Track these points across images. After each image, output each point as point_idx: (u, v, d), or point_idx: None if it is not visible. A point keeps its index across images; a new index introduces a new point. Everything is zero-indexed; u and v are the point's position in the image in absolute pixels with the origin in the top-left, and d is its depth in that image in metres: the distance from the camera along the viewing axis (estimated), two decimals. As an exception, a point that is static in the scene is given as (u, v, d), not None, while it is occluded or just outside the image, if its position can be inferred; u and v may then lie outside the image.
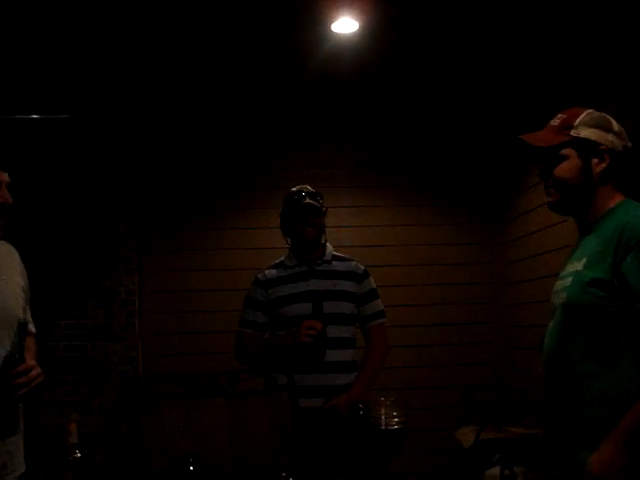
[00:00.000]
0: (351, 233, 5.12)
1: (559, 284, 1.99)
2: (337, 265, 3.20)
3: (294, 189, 3.19)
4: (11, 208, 2.29)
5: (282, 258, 3.24)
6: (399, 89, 5.06)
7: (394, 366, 4.90)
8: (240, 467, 2.16)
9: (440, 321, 5.11)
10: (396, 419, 1.86)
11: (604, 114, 2.00)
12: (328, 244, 3.24)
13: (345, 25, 4.05)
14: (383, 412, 1.87)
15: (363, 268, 3.26)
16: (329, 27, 4.06)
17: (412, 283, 5.13)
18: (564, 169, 1.95)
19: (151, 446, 2.13)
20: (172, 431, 2.15)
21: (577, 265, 1.91)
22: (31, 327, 2.37)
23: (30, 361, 2.05)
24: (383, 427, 1.86)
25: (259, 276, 3.20)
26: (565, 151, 1.95)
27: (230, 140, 5.14)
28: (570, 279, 1.91)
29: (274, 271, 3.18)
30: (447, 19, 4.05)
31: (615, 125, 1.98)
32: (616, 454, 1.74)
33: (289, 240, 3.22)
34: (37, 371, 2.05)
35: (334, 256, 3.24)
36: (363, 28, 4.07)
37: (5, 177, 2.29)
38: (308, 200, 3.10)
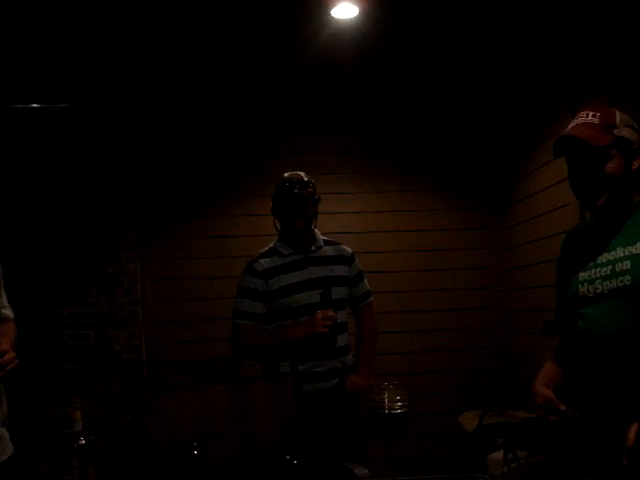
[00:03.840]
0: (352, 219, 5.13)
1: (597, 272, 2.01)
2: (328, 250, 3.18)
3: (286, 175, 3.16)
4: None
5: (272, 245, 3.16)
6: (399, 74, 5.04)
7: (397, 351, 4.94)
8: (244, 452, 2.18)
9: (442, 306, 5.12)
10: (399, 403, 1.86)
11: (627, 114, 2.05)
12: (316, 229, 3.20)
13: (345, 10, 4.04)
14: (386, 396, 1.87)
15: (350, 250, 3.24)
16: (329, 12, 4.05)
17: (413, 269, 5.14)
18: (612, 168, 1.97)
19: (155, 433, 2.14)
20: (176, 418, 2.15)
21: (632, 249, 1.93)
22: (7, 312, 2.35)
23: (3, 345, 2.03)
24: (386, 411, 1.85)
25: (255, 266, 3.09)
26: (613, 151, 1.98)
27: (229, 128, 5.14)
28: (628, 262, 1.92)
29: (269, 260, 3.09)
30: (447, 4, 4.03)
31: (636, 124, 2.05)
32: None
33: (278, 226, 3.18)
34: (10, 355, 2.02)
35: (324, 241, 3.22)
36: (363, 13, 4.06)
37: None
38: (296, 190, 3.07)
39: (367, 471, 2.10)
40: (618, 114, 2.02)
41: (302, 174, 3.16)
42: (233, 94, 5.09)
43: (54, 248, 4.83)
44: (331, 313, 2.91)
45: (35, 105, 4.78)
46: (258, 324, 3.06)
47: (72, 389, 4.75)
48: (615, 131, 1.99)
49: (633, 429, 1.74)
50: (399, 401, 1.86)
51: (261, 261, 3.09)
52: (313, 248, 3.13)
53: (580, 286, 2.06)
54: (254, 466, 2.08)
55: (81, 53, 4.38)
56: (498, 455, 4.08)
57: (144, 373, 3.02)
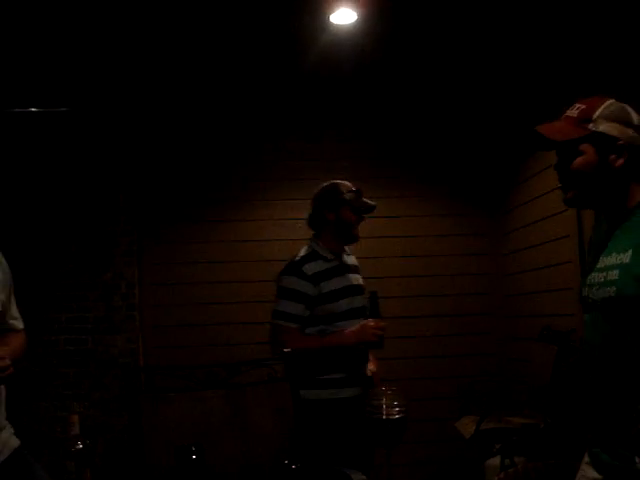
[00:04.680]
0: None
1: (596, 277, 1.92)
2: (350, 259, 3.25)
3: (345, 183, 3.22)
4: None
5: (311, 249, 3.14)
6: (398, 80, 5.05)
7: (395, 357, 4.93)
8: (242, 457, 2.18)
9: (440, 312, 5.13)
10: (397, 409, 1.87)
11: (624, 105, 1.92)
12: None
13: (344, 16, 4.04)
14: (384, 402, 1.87)
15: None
16: (327, 18, 4.06)
17: (411, 274, 5.15)
18: (580, 164, 1.88)
19: (153, 437, 2.14)
20: (174, 422, 2.16)
21: (622, 257, 1.83)
22: (16, 323, 2.33)
23: (2, 353, 2.01)
24: (384, 417, 1.86)
25: (304, 269, 3.04)
26: (582, 146, 1.87)
27: (228, 132, 5.14)
28: (616, 272, 1.83)
29: (315, 263, 3.07)
30: (446, 10, 4.04)
31: (635, 118, 1.90)
32: None
33: (323, 231, 3.17)
34: (6, 362, 1.99)
35: (348, 252, 3.29)
36: (362, 19, 4.07)
37: None
38: (369, 202, 3.18)
39: (364, 477, 2.11)
40: (603, 107, 1.89)
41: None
42: (232, 99, 5.10)
43: (52, 252, 4.82)
44: (383, 323, 2.93)
45: (34, 109, 4.78)
46: (301, 327, 3.03)
47: (69, 394, 4.73)
48: (590, 125, 1.87)
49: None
50: (397, 406, 1.87)
51: (310, 265, 3.06)
52: (344, 255, 3.19)
53: (584, 289, 1.97)
54: (252, 471, 2.08)
55: (80, 58, 4.38)
56: (495, 461, 4.08)
57: (141, 378, 3.02)
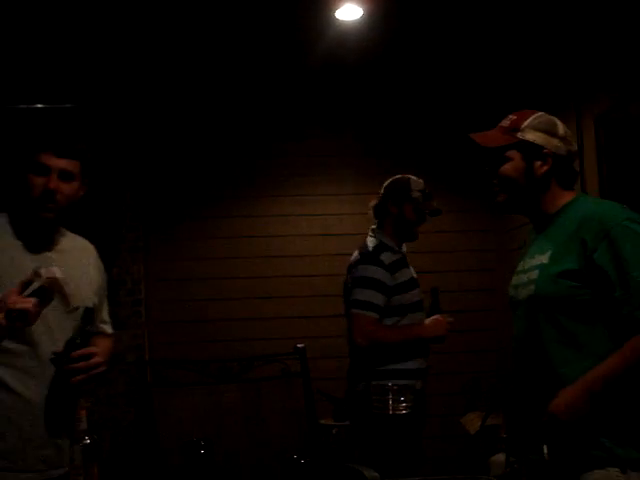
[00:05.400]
0: (354, 220, 5.12)
1: (520, 278, 2.09)
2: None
3: (418, 181, 3.27)
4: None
5: (379, 241, 3.15)
6: (404, 76, 5.05)
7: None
8: (254, 451, 2.18)
9: (445, 308, 5.11)
10: (403, 404, 1.87)
11: (553, 118, 2.07)
12: None
13: (349, 12, 4.03)
14: (390, 397, 1.88)
15: None
16: (333, 14, 4.05)
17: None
18: (507, 169, 2.04)
19: (165, 430, 2.15)
20: (186, 416, 2.16)
21: (541, 258, 1.99)
22: (106, 327, 2.36)
23: (95, 349, 2.00)
24: (390, 412, 1.87)
25: (382, 258, 3.06)
26: (510, 153, 2.04)
27: (234, 129, 5.14)
28: (536, 272, 1.99)
29: (387, 254, 3.10)
30: (451, 5, 4.03)
31: (561, 130, 2.05)
32: (578, 398, 1.80)
33: (385, 222, 3.22)
34: (98, 359, 1.98)
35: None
36: (367, 15, 4.06)
37: (62, 164, 2.18)
38: (434, 204, 3.21)
39: (376, 474, 2.10)
40: (532, 119, 2.05)
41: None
42: (238, 95, 5.10)
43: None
44: (451, 319, 3.04)
45: (39, 105, 4.79)
46: (380, 317, 3.01)
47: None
48: (518, 134, 2.03)
49: None
50: (403, 402, 1.87)
51: (384, 254, 3.08)
52: (404, 248, 3.22)
53: (511, 290, 2.15)
54: (264, 465, 2.08)
55: (85, 54, 4.39)
56: (501, 457, 4.07)
57: (147, 373, 3.03)
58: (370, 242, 3.15)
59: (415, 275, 3.22)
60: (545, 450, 1.78)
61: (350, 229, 5.07)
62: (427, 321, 3.02)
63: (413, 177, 3.25)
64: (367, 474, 2.13)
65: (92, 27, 4.08)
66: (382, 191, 3.28)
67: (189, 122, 5.10)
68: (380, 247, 3.10)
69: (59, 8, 3.82)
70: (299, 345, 2.72)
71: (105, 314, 2.38)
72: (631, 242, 1.84)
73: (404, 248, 3.28)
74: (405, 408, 1.87)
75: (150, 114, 4.99)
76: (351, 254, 5.22)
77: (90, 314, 1.97)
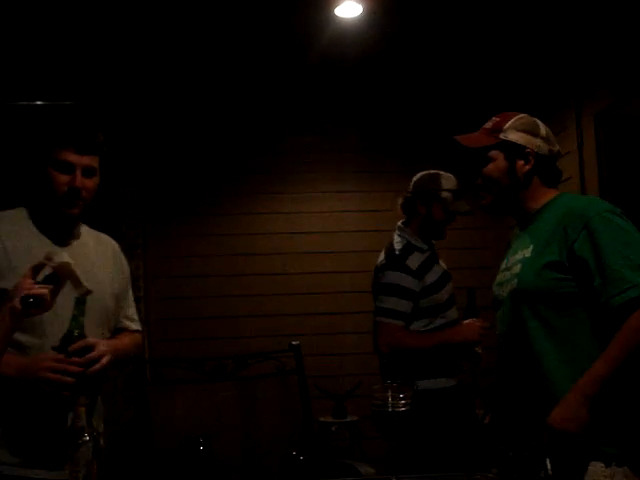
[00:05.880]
0: (356, 217, 5.13)
1: (504, 275, 2.10)
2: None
3: (450, 177, 3.15)
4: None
5: (406, 242, 3.06)
6: (404, 73, 5.05)
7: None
8: (250, 448, 2.19)
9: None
10: (402, 401, 1.87)
11: (534, 119, 2.13)
12: None
13: (349, 9, 4.03)
14: (389, 394, 1.87)
15: None
16: (332, 11, 4.05)
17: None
18: (491, 169, 2.10)
19: (161, 429, 2.15)
20: (181, 414, 2.16)
21: (524, 252, 2.02)
22: (129, 324, 2.34)
23: (94, 340, 1.93)
24: (389, 409, 1.86)
25: (408, 263, 2.97)
26: (492, 153, 2.11)
27: (233, 126, 5.14)
28: (519, 266, 2.01)
29: (415, 257, 3.01)
30: (451, 3, 4.03)
31: (543, 130, 2.10)
32: (578, 406, 1.80)
33: (412, 220, 3.12)
34: (98, 353, 1.90)
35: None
36: (367, 12, 4.06)
37: (85, 161, 2.15)
38: (467, 207, 3.10)
39: (372, 469, 2.11)
40: (513, 120, 2.10)
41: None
42: (237, 94, 5.09)
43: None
44: (487, 323, 2.92)
45: (39, 102, 4.78)
46: (406, 324, 2.95)
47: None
48: (501, 135, 2.10)
49: None
50: (402, 399, 1.87)
51: (411, 257, 2.99)
52: (433, 243, 3.15)
53: (495, 289, 2.17)
54: (259, 462, 2.09)
55: (85, 50, 4.39)
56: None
57: (147, 370, 3.02)
58: (397, 243, 3.06)
59: (445, 267, 3.16)
60: (548, 465, 1.71)
61: (349, 227, 5.08)
62: (460, 325, 2.97)
63: (444, 174, 3.15)
64: (362, 470, 2.13)
65: (92, 24, 4.08)
66: (410, 188, 3.17)
67: (188, 119, 5.10)
68: (407, 249, 3.01)
69: (61, 6, 3.82)
70: (294, 342, 2.72)
71: (130, 310, 2.37)
72: (610, 232, 1.87)
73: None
74: (404, 405, 1.86)
75: (149, 111, 4.99)
76: (348, 251, 5.24)
77: (83, 302, 1.88)
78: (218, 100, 5.09)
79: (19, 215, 2.16)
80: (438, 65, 4.89)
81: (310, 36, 4.30)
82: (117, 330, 2.32)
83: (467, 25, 4.28)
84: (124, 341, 2.26)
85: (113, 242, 2.41)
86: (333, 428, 4.58)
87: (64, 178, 2.10)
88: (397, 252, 3.01)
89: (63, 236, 2.18)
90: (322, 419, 4.55)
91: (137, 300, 4.81)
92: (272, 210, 5.11)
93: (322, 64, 4.74)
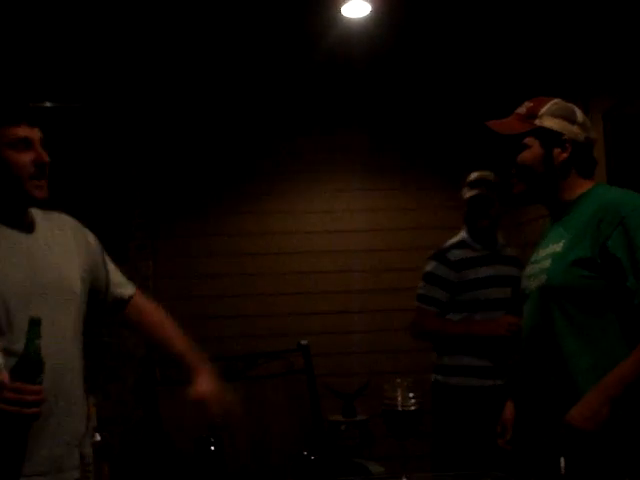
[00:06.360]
0: (361, 217, 5.13)
1: (533, 268, 2.02)
2: (509, 250, 3.32)
3: (474, 175, 3.28)
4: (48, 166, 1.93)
5: (462, 237, 3.23)
6: (411, 72, 5.04)
7: (408, 349, 4.93)
8: (259, 448, 2.19)
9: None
10: (412, 400, 1.87)
11: (570, 105, 2.02)
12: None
13: (356, 9, 4.02)
14: (399, 394, 1.88)
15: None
16: (339, 11, 4.04)
17: (421, 266, 5.14)
18: (526, 157, 1.99)
19: (170, 429, 2.16)
20: (191, 415, 2.17)
21: (555, 247, 1.93)
22: (127, 289, 2.20)
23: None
24: (400, 408, 1.87)
25: (448, 255, 3.16)
26: (528, 140, 1.99)
27: (241, 126, 5.15)
28: (549, 261, 1.93)
29: (461, 251, 3.17)
30: (459, 2, 4.02)
31: (580, 116, 2.00)
32: (599, 406, 1.75)
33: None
34: (31, 397, 1.64)
35: (503, 244, 3.34)
36: (374, 12, 4.05)
37: (37, 134, 1.94)
38: (479, 191, 3.17)
39: (382, 468, 2.11)
40: (549, 105, 1.99)
41: (489, 174, 3.27)
42: (244, 92, 5.10)
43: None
44: (518, 320, 2.94)
45: (48, 104, 4.80)
46: (440, 311, 3.14)
47: (85, 386, 4.76)
48: (536, 121, 1.99)
49: None
50: (412, 398, 1.87)
51: (454, 252, 3.16)
52: (498, 247, 3.24)
53: (523, 281, 2.09)
54: (269, 461, 2.09)
55: (91, 51, 4.40)
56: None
57: (156, 370, 3.04)
58: (453, 238, 3.25)
59: (508, 273, 3.19)
60: (562, 464, 1.69)
61: (356, 225, 5.08)
62: (490, 319, 3.05)
63: (480, 172, 3.31)
64: (372, 469, 2.14)
65: (99, 26, 4.09)
66: None
67: (197, 119, 5.10)
68: (456, 244, 3.19)
69: (69, 10, 3.83)
70: (302, 342, 2.73)
71: (116, 276, 2.20)
72: None
73: (508, 249, 3.32)
74: (414, 404, 1.86)
75: (157, 111, 5.00)
76: (356, 250, 5.25)
77: (38, 324, 1.68)
78: (225, 100, 5.10)
79: None
80: (445, 64, 4.88)
81: (317, 35, 4.30)
82: (116, 303, 2.20)
83: (475, 24, 4.28)
84: (172, 332, 2.24)
85: (68, 219, 2.14)
86: (343, 427, 4.57)
87: (26, 156, 1.89)
88: (445, 245, 3.21)
89: (18, 227, 1.92)
90: (332, 418, 4.54)
91: (146, 300, 4.87)
92: (281, 209, 5.11)
93: (329, 63, 4.75)
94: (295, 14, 4.12)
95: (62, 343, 1.92)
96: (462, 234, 3.25)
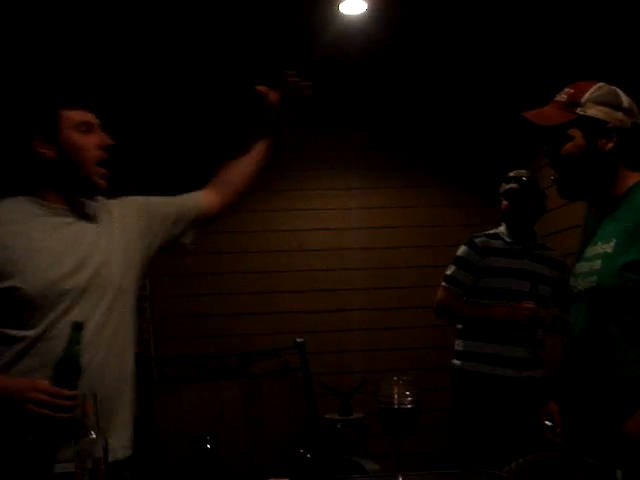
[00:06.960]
0: (363, 214, 5.13)
1: (583, 266, 1.88)
2: (546, 252, 3.39)
3: (510, 173, 3.40)
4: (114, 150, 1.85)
5: (497, 230, 3.38)
6: (408, 70, 5.04)
7: (406, 346, 4.94)
8: (255, 446, 2.19)
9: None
10: (409, 398, 1.86)
11: (614, 89, 1.86)
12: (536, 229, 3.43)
13: (353, 6, 4.02)
14: (395, 391, 1.87)
15: (562, 259, 3.42)
16: (336, 8, 4.04)
17: (421, 265, 5.14)
18: (569, 149, 1.83)
19: (165, 427, 2.15)
20: (186, 412, 2.16)
21: (605, 247, 1.79)
22: (199, 195, 2.11)
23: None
24: (395, 406, 1.86)
25: (477, 241, 3.33)
26: (570, 131, 1.83)
27: (239, 123, 5.13)
28: (599, 262, 1.80)
29: (492, 241, 3.32)
30: (456, 1, 4.02)
31: (625, 101, 1.84)
32: None
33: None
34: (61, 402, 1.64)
35: (543, 244, 3.44)
36: (372, 9, 4.04)
37: (95, 118, 1.88)
38: (514, 186, 3.29)
39: (378, 466, 2.11)
40: (592, 91, 1.84)
41: (525, 172, 3.39)
42: (243, 90, 5.08)
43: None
44: (535, 306, 3.09)
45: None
46: (462, 292, 3.31)
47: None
48: (578, 110, 1.83)
49: None
50: (409, 396, 1.86)
51: (484, 239, 3.32)
52: (533, 244, 3.34)
53: (572, 279, 1.95)
54: (265, 459, 2.09)
55: (90, 47, 4.39)
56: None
57: (153, 368, 3.02)
58: (492, 229, 3.40)
59: (533, 269, 3.28)
60: (619, 477, 1.61)
61: (356, 224, 5.08)
62: (509, 305, 3.15)
63: (517, 171, 3.41)
64: (368, 467, 2.13)
65: (93, 19, 4.08)
66: None
67: (196, 116, 5.10)
68: (488, 235, 3.35)
69: (63, 7, 3.82)
70: (298, 339, 2.73)
71: (175, 204, 2.14)
72: None
73: (547, 252, 3.40)
74: (411, 402, 1.85)
75: (154, 107, 4.99)
76: (354, 248, 5.26)
77: (80, 328, 1.69)
78: (224, 98, 5.09)
79: (24, 204, 1.86)
80: (444, 62, 4.88)
81: (314, 33, 4.30)
82: (200, 216, 2.15)
83: (474, 21, 4.27)
84: (232, 165, 2.16)
85: (114, 202, 2.09)
86: (339, 425, 4.58)
87: (90, 139, 1.84)
88: (479, 233, 3.38)
89: (83, 214, 1.88)
90: (328, 416, 4.55)
91: (142, 298, 4.86)
92: (279, 207, 5.11)
93: (327, 61, 4.73)
94: (293, 11, 4.11)
95: (101, 345, 1.88)
96: (500, 227, 3.39)
